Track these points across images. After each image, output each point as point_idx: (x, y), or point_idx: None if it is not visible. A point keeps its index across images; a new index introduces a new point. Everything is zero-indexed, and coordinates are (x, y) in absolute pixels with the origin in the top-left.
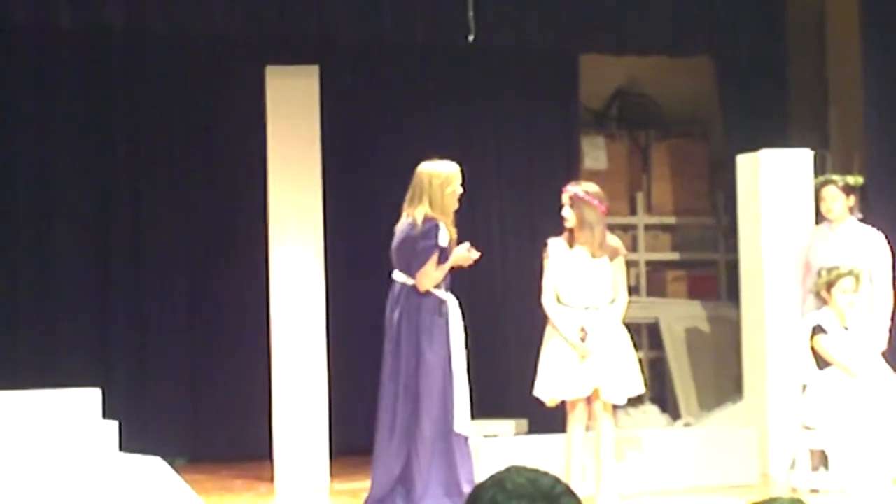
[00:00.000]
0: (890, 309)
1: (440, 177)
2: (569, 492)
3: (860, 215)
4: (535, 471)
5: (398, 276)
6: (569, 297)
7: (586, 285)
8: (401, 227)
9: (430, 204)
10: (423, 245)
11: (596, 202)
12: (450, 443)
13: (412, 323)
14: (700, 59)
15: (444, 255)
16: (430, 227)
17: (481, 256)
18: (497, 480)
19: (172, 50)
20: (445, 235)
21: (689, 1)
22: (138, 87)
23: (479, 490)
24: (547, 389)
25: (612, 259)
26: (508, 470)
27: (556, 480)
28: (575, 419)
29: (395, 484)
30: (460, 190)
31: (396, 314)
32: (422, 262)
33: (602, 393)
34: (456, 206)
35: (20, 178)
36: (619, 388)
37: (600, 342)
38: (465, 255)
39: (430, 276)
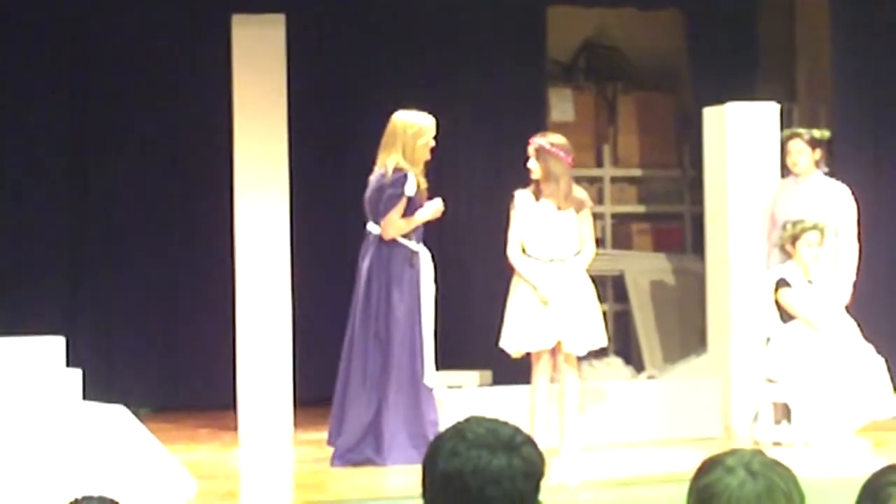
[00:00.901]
0: (855, 263)
1: (414, 127)
2: (529, 441)
3: (826, 169)
4: (495, 421)
5: (371, 226)
6: (534, 248)
7: (552, 237)
8: (373, 176)
9: (402, 153)
10: (389, 193)
11: (562, 154)
12: (417, 394)
13: (383, 273)
14: (669, 11)
15: (412, 204)
16: (399, 177)
17: (448, 208)
18: (457, 431)
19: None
20: (413, 185)
21: None
22: (101, 37)
23: (439, 440)
24: (511, 341)
25: (578, 211)
26: (468, 420)
27: (517, 430)
28: (539, 371)
29: (366, 433)
30: (433, 143)
31: (367, 264)
32: (387, 210)
33: (564, 345)
34: (427, 157)
35: None
36: (581, 340)
37: (564, 294)
38: (436, 209)
39: (394, 224)
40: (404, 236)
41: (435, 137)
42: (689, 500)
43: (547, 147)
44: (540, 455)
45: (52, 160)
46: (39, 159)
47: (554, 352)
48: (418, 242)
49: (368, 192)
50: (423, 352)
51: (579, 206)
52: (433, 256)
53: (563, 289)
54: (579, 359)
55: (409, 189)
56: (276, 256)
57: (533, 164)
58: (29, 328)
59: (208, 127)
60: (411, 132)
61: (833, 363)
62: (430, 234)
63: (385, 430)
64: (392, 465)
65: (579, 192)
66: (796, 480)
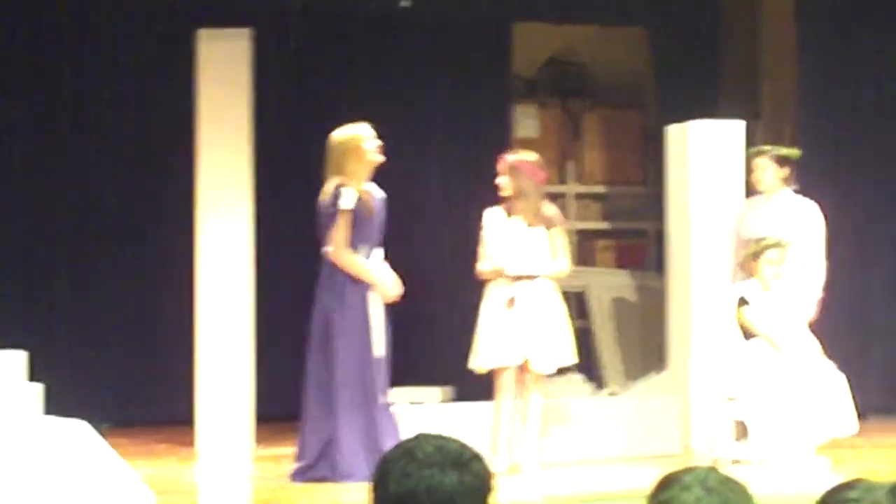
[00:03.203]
0: (821, 280)
1: (340, 139)
2: (477, 457)
3: (795, 187)
4: (442, 437)
5: (326, 248)
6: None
7: (522, 254)
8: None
9: (336, 170)
10: (327, 212)
11: (533, 171)
12: (371, 412)
13: (330, 291)
14: (634, 29)
15: (358, 217)
16: (333, 194)
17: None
18: (406, 450)
19: (103, 11)
20: (350, 197)
21: None
22: (66, 51)
23: (387, 461)
24: (479, 358)
25: (548, 228)
26: (416, 438)
27: (464, 446)
28: (503, 387)
29: (322, 453)
30: (372, 144)
31: (319, 282)
32: (328, 229)
33: (532, 363)
34: (368, 163)
35: None
36: (549, 358)
37: (533, 311)
38: (389, 290)
39: (339, 242)
40: (355, 249)
41: (391, 147)
42: None
43: (518, 164)
44: (488, 470)
45: (14, 173)
46: (0, 172)
47: (520, 369)
48: (368, 257)
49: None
50: (373, 369)
51: (549, 224)
52: (402, 273)
53: (532, 306)
54: (545, 376)
55: (345, 202)
56: (237, 271)
57: (504, 181)
58: None
59: (172, 141)
60: (340, 147)
61: (794, 381)
62: (397, 249)
63: (339, 450)
64: (349, 482)
65: (550, 209)
66: (751, 497)
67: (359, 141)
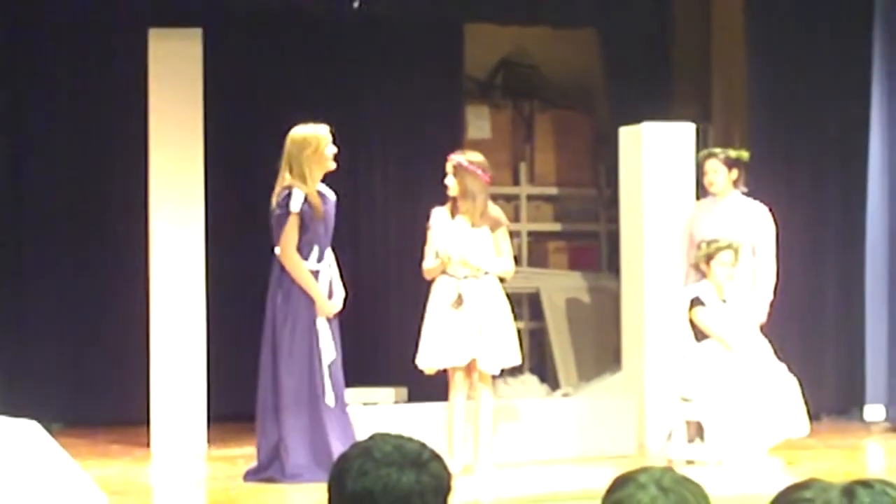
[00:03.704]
0: (772, 282)
1: (297, 140)
2: (435, 457)
3: (745, 189)
4: (401, 437)
5: (276, 248)
6: (449, 265)
7: (466, 253)
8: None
9: (290, 170)
10: (277, 214)
11: (479, 172)
12: (318, 414)
13: (279, 293)
14: (585, 30)
15: (305, 219)
16: (284, 195)
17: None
18: (364, 449)
19: (54, 10)
20: (299, 200)
21: None
22: (15, 50)
23: (345, 460)
24: (426, 358)
25: (493, 229)
26: (374, 438)
27: (423, 446)
28: (455, 388)
29: (274, 454)
30: (329, 150)
31: (270, 283)
32: (278, 232)
33: (478, 363)
34: (323, 167)
35: None
36: (495, 359)
37: (479, 311)
38: (329, 306)
39: (288, 244)
40: (302, 254)
41: (343, 149)
42: None
43: (465, 164)
44: (447, 470)
45: None
46: None
47: (469, 369)
48: (319, 261)
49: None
50: (320, 371)
51: (495, 225)
52: (350, 272)
53: (477, 306)
54: (494, 376)
55: (294, 205)
56: (191, 270)
57: (450, 181)
58: None
59: (124, 140)
60: (295, 147)
61: (746, 382)
62: (346, 248)
63: (284, 452)
64: (296, 483)
65: (495, 211)
66: (707, 497)
67: (319, 143)
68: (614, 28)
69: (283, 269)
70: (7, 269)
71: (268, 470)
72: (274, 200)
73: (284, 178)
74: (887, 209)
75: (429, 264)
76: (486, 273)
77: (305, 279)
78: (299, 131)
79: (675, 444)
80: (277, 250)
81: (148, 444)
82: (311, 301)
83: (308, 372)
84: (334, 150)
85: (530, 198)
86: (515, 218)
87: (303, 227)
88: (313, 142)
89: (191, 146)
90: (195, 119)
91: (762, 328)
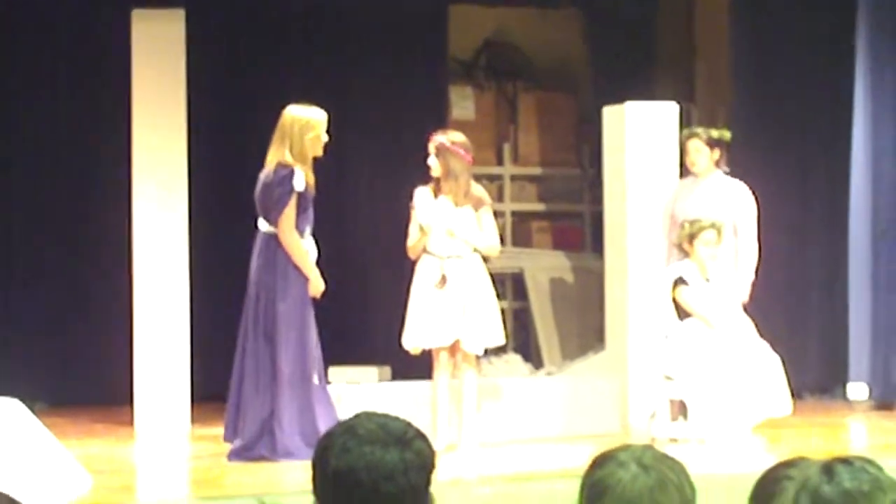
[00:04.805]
0: (754, 262)
1: (301, 121)
2: (420, 435)
3: (727, 169)
4: (386, 416)
5: (262, 224)
6: (432, 245)
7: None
8: (262, 174)
9: (290, 149)
10: (278, 192)
11: (462, 152)
12: (308, 392)
13: (270, 271)
14: (569, 10)
15: (303, 200)
16: (285, 174)
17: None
18: (348, 427)
19: None
20: (301, 180)
21: None
22: None
23: (329, 437)
24: (410, 338)
25: (476, 209)
26: (358, 416)
27: (408, 425)
28: (439, 367)
29: (261, 432)
30: (325, 137)
31: (256, 262)
32: (280, 210)
33: (462, 343)
34: (318, 153)
35: None
36: (479, 339)
37: (462, 291)
38: (317, 286)
39: (290, 223)
40: (300, 232)
41: (329, 132)
42: (581, 494)
43: (447, 145)
44: (431, 448)
45: None
46: None
47: (453, 349)
48: (307, 238)
49: (257, 191)
50: (312, 350)
51: (477, 204)
52: (334, 252)
53: (461, 286)
54: (478, 356)
55: (298, 184)
56: (173, 252)
57: (433, 162)
58: None
59: (106, 121)
60: (298, 127)
61: (729, 361)
62: (330, 228)
63: (278, 430)
64: (288, 461)
65: (478, 190)
66: (688, 474)
67: (317, 127)
68: (598, 9)
69: (277, 247)
70: None
71: (255, 449)
72: (271, 178)
73: (284, 155)
74: (870, 188)
75: (412, 242)
76: (472, 251)
77: (303, 258)
78: (302, 113)
79: (658, 422)
80: (267, 227)
81: (131, 424)
82: (306, 280)
83: (304, 351)
84: (326, 138)
85: (514, 178)
86: (499, 198)
87: (299, 207)
88: (316, 127)
89: (174, 126)
90: (178, 99)
91: (745, 307)
